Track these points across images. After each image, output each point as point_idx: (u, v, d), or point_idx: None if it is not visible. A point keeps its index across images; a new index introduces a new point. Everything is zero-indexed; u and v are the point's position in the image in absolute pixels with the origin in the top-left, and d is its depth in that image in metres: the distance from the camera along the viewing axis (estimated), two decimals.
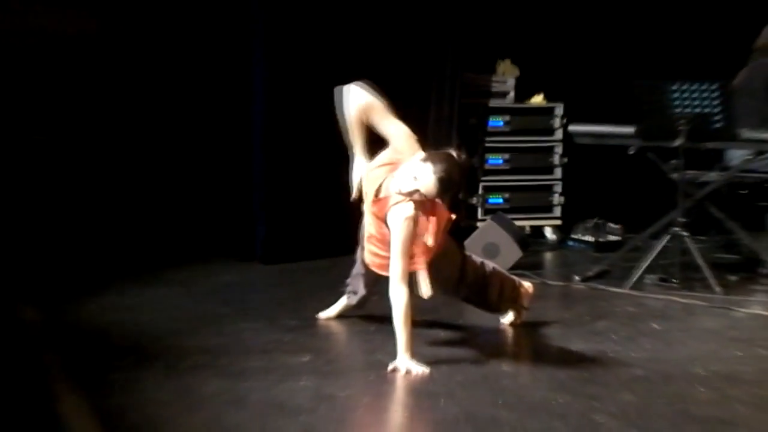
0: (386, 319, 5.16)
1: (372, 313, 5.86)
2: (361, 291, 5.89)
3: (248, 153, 7.58)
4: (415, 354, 5.07)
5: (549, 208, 8.61)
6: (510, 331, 5.89)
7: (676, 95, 6.71)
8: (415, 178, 5.09)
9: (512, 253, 7.20)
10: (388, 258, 5.29)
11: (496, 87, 8.53)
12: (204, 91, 7.82)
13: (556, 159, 8.55)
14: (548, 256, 8.19)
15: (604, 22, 8.74)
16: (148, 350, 5.35)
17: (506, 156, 8.49)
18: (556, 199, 8.58)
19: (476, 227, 7.67)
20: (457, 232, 5.73)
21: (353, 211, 5.52)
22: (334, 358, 5.32)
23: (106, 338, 5.59)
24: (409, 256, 5.12)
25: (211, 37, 7.77)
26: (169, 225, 7.78)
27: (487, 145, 8.45)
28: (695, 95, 6.68)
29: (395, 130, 5.29)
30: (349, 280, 5.98)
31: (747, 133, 6.78)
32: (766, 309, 6.43)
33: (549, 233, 8.70)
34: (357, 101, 5.34)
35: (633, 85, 6.87)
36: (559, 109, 8.53)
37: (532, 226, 8.63)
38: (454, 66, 8.02)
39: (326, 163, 7.35)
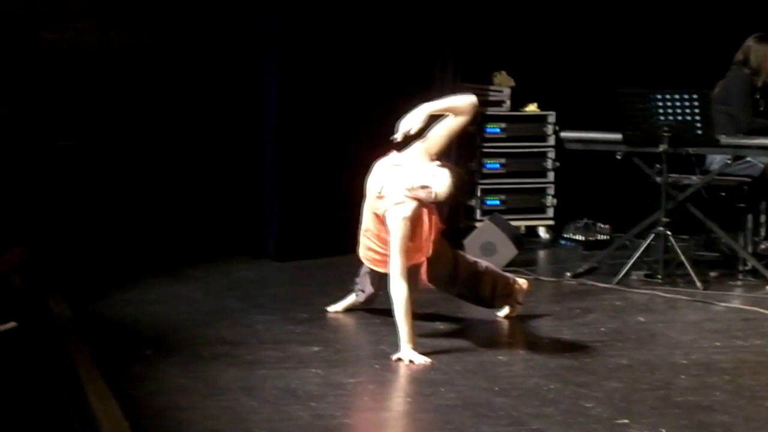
0: (390, 313, 5.17)
1: (377, 307, 5.87)
2: (369, 289, 5.86)
3: (262, 156, 7.58)
4: (417, 345, 5.09)
5: (542, 209, 8.60)
6: (505, 324, 5.90)
7: (659, 104, 6.72)
8: (433, 175, 5.11)
9: (508, 251, 7.21)
10: (382, 254, 5.32)
11: (493, 96, 8.52)
12: (220, 96, 7.82)
13: (549, 163, 8.54)
14: (541, 254, 8.18)
15: (594, 36, 8.73)
16: (168, 341, 5.37)
17: (502, 161, 8.48)
18: (549, 200, 8.57)
19: (474, 227, 7.69)
20: (455, 232, 5.79)
21: (362, 210, 5.53)
22: (342, 349, 5.33)
23: (130, 330, 5.60)
24: (407, 253, 5.14)
25: (229, 46, 7.78)
26: (188, 224, 7.78)
27: (485, 150, 8.44)
28: (677, 104, 6.69)
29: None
30: (357, 279, 5.96)
31: (725, 140, 6.80)
32: (744, 303, 6.45)
33: (542, 233, 8.69)
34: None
35: (619, 95, 6.89)
36: (552, 117, 8.52)
37: (526, 226, 8.61)
38: (453, 77, 8.02)
39: (336, 163, 7.39)
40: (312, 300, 6.25)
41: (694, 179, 7.14)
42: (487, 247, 7.16)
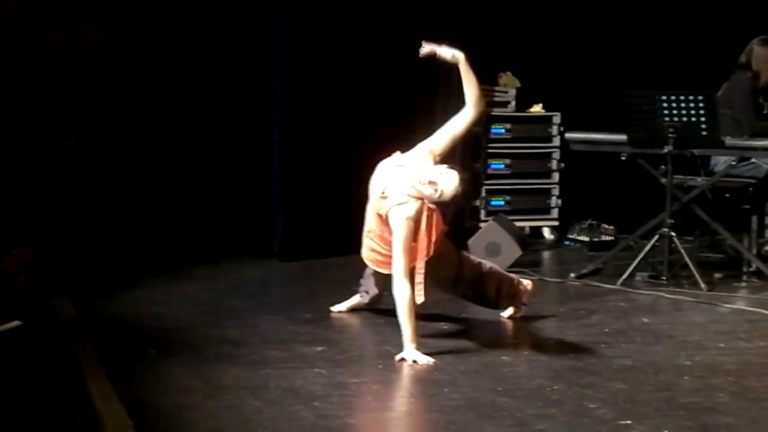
0: (394, 313, 5.17)
1: (381, 307, 5.87)
2: (373, 290, 5.87)
3: (267, 158, 7.59)
4: (421, 345, 5.09)
5: (547, 209, 8.60)
6: (509, 324, 5.90)
7: (664, 105, 6.71)
8: (441, 174, 5.10)
9: (512, 251, 7.21)
10: (385, 255, 5.31)
11: (498, 97, 8.52)
12: (226, 98, 7.83)
13: (554, 164, 8.54)
14: (546, 254, 8.19)
15: (600, 37, 8.73)
16: (173, 341, 5.37)
17: (507, 161, 8.49)
18: (554, 201, 8.57)
19: (479, 227, 7.68)
20: (461, 232, 5.77)
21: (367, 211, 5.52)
22: (346, 349, 5.33)
23: (134, 330, 5.60)
24: (410, 253, 5.13)
25: (234, 47, 7.79)
26: (193, 224, 7.78)
27: (490, 151, 8.44)
28: (683, 105, 6.67)
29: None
30: (362, 280, 5.96)
31: (730, 141, 6.79)
32: (748, 304, 6.44)
33: (547, 233, 8.69)
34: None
35: (624, 96, 6.88)
36: (557, 118, 8.52)
37: (531, 227, 8.62)
38: (459, 77, 8.01)
39: (342, 164, 7.38)
40: (316, 300, 6.25)
41: (699, 180, 7.13)
42: (491, 247, 7.16)
